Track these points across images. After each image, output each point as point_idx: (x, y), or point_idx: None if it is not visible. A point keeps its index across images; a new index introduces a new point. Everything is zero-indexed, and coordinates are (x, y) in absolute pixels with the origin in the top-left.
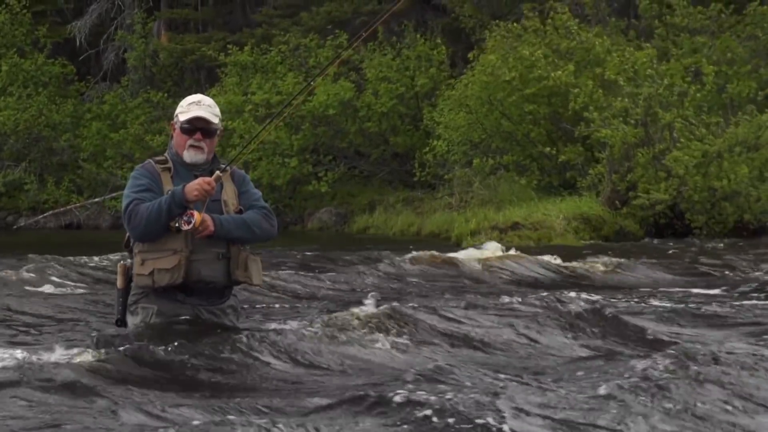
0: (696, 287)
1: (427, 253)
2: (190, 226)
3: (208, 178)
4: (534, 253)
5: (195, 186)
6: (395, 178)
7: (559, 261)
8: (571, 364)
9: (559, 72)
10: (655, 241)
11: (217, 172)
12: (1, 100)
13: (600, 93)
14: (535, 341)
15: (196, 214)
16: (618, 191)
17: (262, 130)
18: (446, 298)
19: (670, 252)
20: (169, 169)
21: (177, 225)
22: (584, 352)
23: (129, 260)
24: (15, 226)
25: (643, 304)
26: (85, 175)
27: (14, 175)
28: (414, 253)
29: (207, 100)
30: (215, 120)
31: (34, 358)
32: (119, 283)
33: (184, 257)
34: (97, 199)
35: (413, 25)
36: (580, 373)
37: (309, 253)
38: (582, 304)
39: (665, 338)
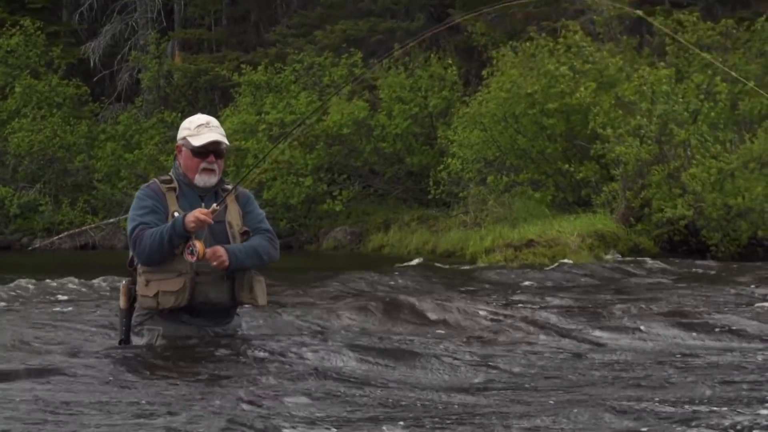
0: None
1: None
2: (194, 257)
3: (205, 210)
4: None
5: (191, 218)
6: (410, 197)
7: None
8: None
9: (582, 89)
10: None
11: (214, 205)
12: (16, 121)
13: (618, 113)
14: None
15: (198, 244)
16: (632, 208)
17: (273, 148)
18: None
19: None
20: (174, 189)
21: (182, 254)
22: None
23: (129, 279)
24: (30, 248)
25: None
26: (99, 195)
27: (29, 197)
28: None
29: (213, 121)
30: (226, 141)
31: (37, 375)
32: (122, 303)
33: (189, 279)
34: (111, 220)
35: (427, 43)
36: None
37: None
38: None
39: None
